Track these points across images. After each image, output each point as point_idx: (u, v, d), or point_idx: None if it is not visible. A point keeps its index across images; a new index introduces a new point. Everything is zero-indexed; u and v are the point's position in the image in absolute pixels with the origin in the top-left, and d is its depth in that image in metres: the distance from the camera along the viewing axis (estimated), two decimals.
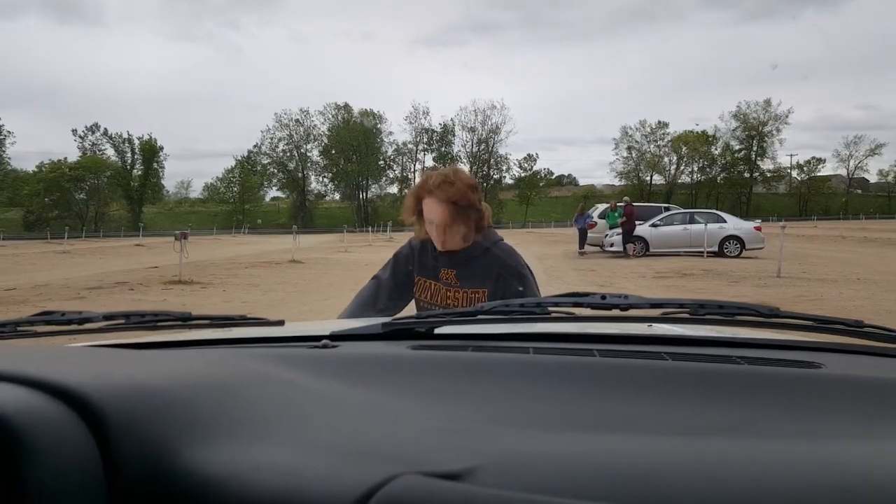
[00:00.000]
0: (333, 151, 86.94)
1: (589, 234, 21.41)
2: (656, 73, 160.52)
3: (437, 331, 1.18)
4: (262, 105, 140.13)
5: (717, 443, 0.59)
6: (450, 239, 2.09)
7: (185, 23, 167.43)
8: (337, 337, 1.13)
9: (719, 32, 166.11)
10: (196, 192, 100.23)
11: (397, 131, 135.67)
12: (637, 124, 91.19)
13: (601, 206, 22.87)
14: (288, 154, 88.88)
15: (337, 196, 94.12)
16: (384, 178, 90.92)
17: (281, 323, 1.24)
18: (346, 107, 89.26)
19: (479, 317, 1.11)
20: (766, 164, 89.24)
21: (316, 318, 8.33)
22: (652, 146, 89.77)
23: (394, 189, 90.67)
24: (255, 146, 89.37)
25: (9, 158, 79.09)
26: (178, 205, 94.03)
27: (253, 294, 11.51)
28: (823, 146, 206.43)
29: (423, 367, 0.88)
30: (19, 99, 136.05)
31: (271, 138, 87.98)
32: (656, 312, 1.05)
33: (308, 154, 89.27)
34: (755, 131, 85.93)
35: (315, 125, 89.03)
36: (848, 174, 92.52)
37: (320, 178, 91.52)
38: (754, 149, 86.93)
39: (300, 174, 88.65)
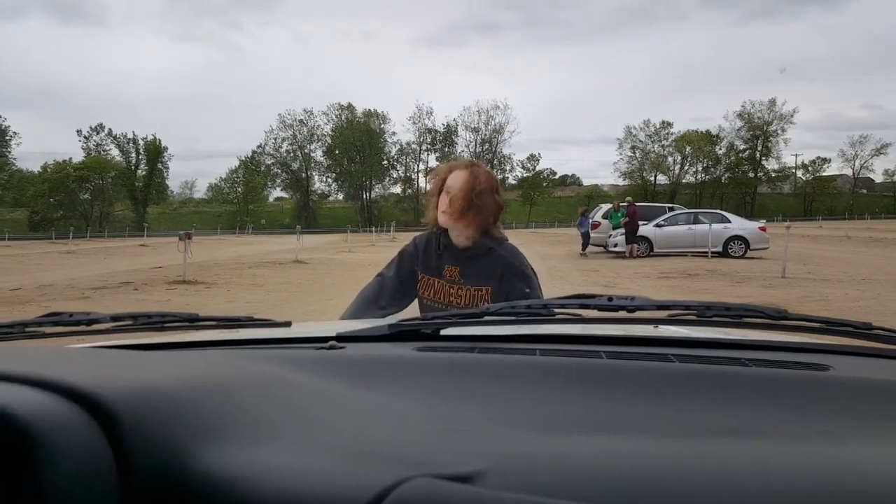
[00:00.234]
0: (337, 151, 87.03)
1: (592, 235, 21.38)
2: (659, 72, 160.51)
3: (443, 332, 1.18)
4: (264, 105, 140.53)
5: (725, 445, 0.59)
6: (458, 216, 2.09)
7: (186, 23, 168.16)
8: (343, 338, 1.13)
9: (721, 32, 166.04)
10: (200, 192, 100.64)
11: (400, 131, 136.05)
12: (641, 124, 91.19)
13: (604, 207, 22.82)
14: (291, 154, 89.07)
15: (340, 196, 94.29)
16: (388, 179, 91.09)
17: (288, 324, 1.24)
18: (350, 107, 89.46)
19: (486, 318, 1.11)
20: (771, 164, 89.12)
21: (320, 319, 8.34)
22: (656, 146, 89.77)
23: (397, 189, 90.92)
24: (258, 146, 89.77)
25: (14, 159, 79.68)
26: (182, 205, 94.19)
27: (257, 294, 11.53)
28: (828, 146, 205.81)
29: (429, 369, 0.88)
30: (24, 100, 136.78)
31: (275, 138, 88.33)
32: (663, 314, 1.05)
33: (311, 154, 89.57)
34: (760, 131, 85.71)
35: (318, 125, 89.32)
36: (853, 174, 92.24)
37: (324, 179, 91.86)
38: (759, 148, 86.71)
39: (304, 174, 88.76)
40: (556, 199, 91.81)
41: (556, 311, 1.08)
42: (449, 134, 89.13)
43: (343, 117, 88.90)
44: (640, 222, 19.71)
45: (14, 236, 53.66)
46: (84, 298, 10.96)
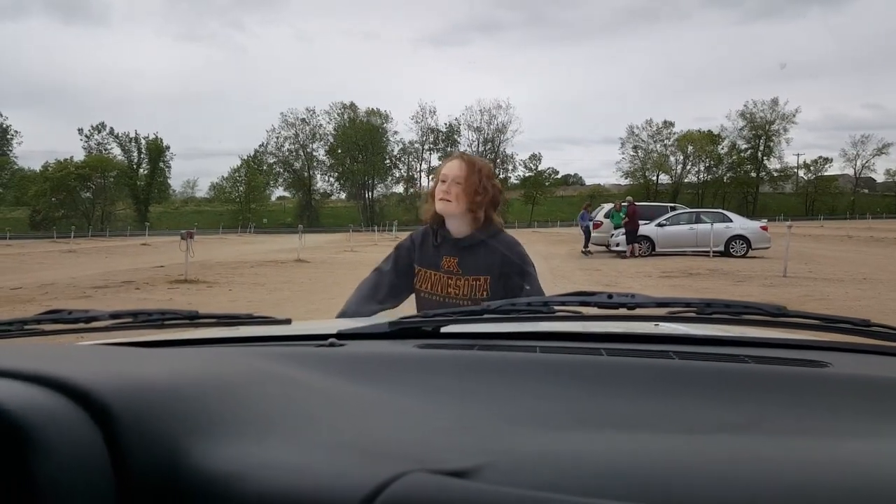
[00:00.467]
0: (339, 151, 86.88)
1: (595, 234, 21.38)
2: (661, 72, 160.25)
3: (443, 329, 1.18)
4: (266, 104, 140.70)
5: (725, 441, 0.59)
6: (456, 203, 2.10)
7: (189, 23, 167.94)
8: (344, 336, 1.13)
9: (724, 31, 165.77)
10: (202, 191, 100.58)
11: (403, 130, 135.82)
12: (643, 124, 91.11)
13: (607, 206, 22.81)
14: (294, 153, 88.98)
15: (343, 195, 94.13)
16: (390, 178, 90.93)
17: (288, 321, 1.24)
18: (352, 106, 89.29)
19: (486, 315, 1.11)
20: (773, 164, 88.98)
21: (322, 317, 8.34)
22: (658, 145, 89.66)
23: (400, 188, 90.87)
24: (260, 145, 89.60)
25: (15, 158, 79.81)
26: (184, 204, 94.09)
27: (259, 293, 11.54)
28: (830, 146, 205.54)
29: (429, 366, 0.88)
30: (25, 99, 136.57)
31: (277, 137, 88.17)
32: (663, 311, 1.05)
33: (314, 153, 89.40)
34: (762, 130, 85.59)
35: (321, 124, 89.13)
36: (855, 174, 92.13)
37: (326, 178, 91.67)
38: (761, 148, 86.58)
39: (306, 173, 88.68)
40: (558, 198, 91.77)
41: (557, 308, 1.08)
42: (451, 133, 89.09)
43: (345, 116, 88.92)
44: (643, 222, 19.70)
45: (15, 235, 53.68)
46: (85, 297, 10.98)
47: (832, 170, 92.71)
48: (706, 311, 1.00)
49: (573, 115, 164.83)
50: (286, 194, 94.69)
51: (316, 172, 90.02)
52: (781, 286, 11.60)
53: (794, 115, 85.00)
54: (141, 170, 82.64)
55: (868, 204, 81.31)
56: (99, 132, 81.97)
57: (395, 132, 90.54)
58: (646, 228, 19.75)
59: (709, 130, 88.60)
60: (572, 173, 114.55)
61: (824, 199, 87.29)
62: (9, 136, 77.54)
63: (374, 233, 49.03)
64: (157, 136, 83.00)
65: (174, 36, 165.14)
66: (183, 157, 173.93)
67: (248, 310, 8.21)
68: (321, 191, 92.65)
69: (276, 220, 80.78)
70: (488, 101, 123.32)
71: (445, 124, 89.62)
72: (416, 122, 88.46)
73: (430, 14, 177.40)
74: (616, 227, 20.27)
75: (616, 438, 0.59)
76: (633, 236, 19.26)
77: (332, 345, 1.02)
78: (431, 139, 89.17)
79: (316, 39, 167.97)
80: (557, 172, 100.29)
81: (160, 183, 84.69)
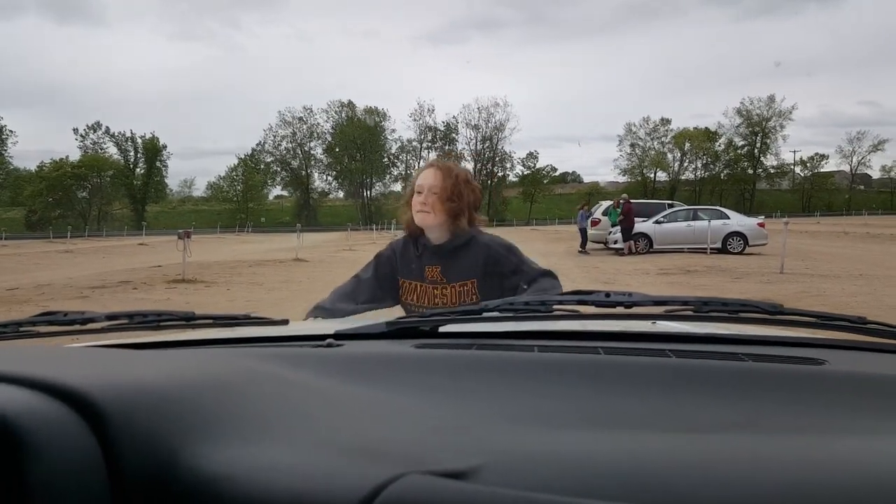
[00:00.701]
0: (337, 149, 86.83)
1: (593, 231, 21.39)
2: (659, 69, 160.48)
3: (441, 329, 1.18)
4: (264, 103, 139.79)
5: (722, 439, 0.59)
6: (434, 214, 2.06)
7: (186, 22, 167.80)
8: (341, 336, 1.13)
9: (721, 29, 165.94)
10: (199, 190, 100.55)
11: (401, 128, 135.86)
12: (641, 121, 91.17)
13: (605, 203, 22.83)
14: (291, 152, 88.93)
15: (341, 194, 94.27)
16: (388, 176, 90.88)
17: (285, 322, 1.24)
18: (350, 104, 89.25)
19: (484, 315, 1.11)
20: (770, 161, 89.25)
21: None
22: (655, 143, 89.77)
23: (398, 187, 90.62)
24: (258, 144, 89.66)
25: (11, 158, 79.40)
26: (181, 203, 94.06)
27: (257, 293, 11.52)
28: (826, 142, 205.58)
29: (427, 366, 0.88)
30: (21, 98, 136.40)
31: (274, 136, 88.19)
32: (660, 310, 1.05)
33: (312, 152, 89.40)
34: (759, 127, 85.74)
35: (318, 123, 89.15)
36: (851, 170, 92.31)
37: (324, 176, 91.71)
38: (758, 145, 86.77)
39: (304, 172, 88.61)
40: (556, 195, 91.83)
41: (554, 307, 1.08)
42: (449, 131, 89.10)
43: (343, 114, 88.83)
44: (640, 219, 19.72)
45: (11, 235, 53.53)
46: (82, 298, 10.96)
47: (828, 166, 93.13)
48: (703, 309, 1.00)
49: (571, 113, 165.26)
50: (284, 193, 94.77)
51: (314, 171, 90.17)
52: (778, 283, 11.62)
53: (790, 112, 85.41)
54: (138, 169, 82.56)
55: (864, 200, 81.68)
56: (94, 131, 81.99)
57: (394, 130, 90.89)
58: (643, 226, 19.77)
59: (706, 127, 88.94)
60: (570, 171, 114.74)
61: (821, 195, 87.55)
62: (4, 136, 77.14)
63: (372, 231, 49.03)
64: (153, 136, 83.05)
65: (171, 35, 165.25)
66: (180, 157, 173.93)
67: (246, 309, 8.21)
68: (319, 189, 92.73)
69: (273, 219, 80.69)
70: (486, 99, 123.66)
71: (443, 122, 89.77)
72: (415, 120, 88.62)
73: (428, 12, 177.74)
74: (613, 225, 20.30)
75: (614, 437, 0.59)
76: (628, 234, 19.27)
77: (329, 345, 1.02)
78: (430, 137, 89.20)
79: (314, 38, 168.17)
80: (556, 170, 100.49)
81: (157, 182, 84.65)
